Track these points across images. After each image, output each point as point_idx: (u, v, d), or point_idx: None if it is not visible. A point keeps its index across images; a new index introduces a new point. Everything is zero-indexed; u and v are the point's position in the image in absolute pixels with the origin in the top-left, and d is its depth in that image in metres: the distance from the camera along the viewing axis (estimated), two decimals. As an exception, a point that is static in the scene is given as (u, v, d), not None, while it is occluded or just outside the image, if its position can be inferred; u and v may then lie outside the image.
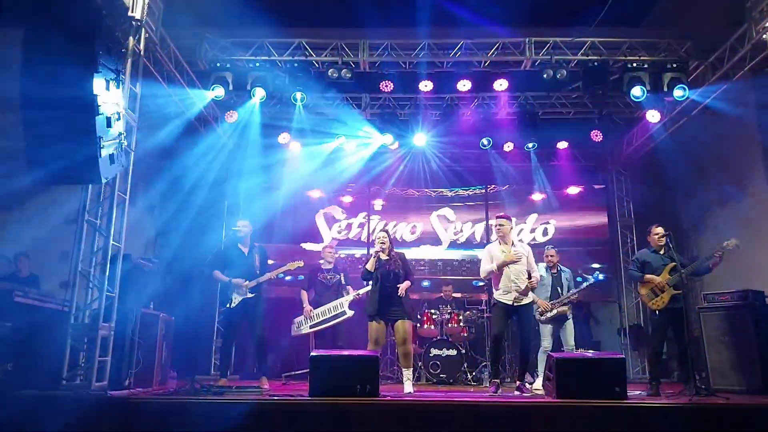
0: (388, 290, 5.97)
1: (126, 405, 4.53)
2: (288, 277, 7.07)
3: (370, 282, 6.12)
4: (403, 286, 5.94)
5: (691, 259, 7.05)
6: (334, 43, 8.02)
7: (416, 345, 8.26)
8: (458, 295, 8.69)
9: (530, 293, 6.01)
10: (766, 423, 4.40)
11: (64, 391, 4.93)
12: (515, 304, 5.86)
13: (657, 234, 6.24)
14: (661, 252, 6.23)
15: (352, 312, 7.27)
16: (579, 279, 7.40)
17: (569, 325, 7.06)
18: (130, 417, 4.41)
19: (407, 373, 5.94)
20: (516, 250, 6.00)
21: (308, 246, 10.34)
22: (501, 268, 5.91)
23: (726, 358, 6.47)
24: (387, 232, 6.27)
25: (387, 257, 6.12)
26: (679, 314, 5.85)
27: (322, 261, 7.80)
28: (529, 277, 5.99)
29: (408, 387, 5.85)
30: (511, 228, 6.25)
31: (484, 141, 9.34)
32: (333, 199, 10.62)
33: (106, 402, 4.65)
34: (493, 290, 6.07)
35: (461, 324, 8.21)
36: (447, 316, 8.21)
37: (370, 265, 6.06)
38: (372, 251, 6.33)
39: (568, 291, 6.99)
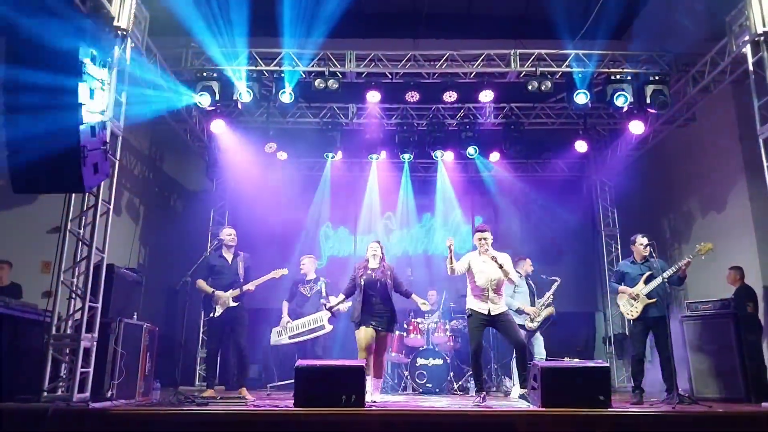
0: (372, 299, 6.05)
1: (108, 417, 4.46)
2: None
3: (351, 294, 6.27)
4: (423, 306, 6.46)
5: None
6: (320, 54, 8.05)
7: (402, 354, 8.25)
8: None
9: (505, 301, 6.04)
10: (747, 430, 4.45)
11: (45, 402, 4.84)
12: (492, 313, 5.81)
13: (641, 244, 6.31)
14: (642, 262, 6.30)
15: (332, 327, 7.26)
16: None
17: (538, 336, 7.18)
18: (113, 429, 4.35)
19: (376, 382, 5.99)
20: (494, 256, 5.90)
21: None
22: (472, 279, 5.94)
23: (708, 366, 6.53)
24: (379, 242, 6.46)
25: (377, 266, 6.17)
26: (657, 323, 5.95)
27: (301, 270, 7.76)
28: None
29: (376, 395, 5.86)
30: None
31: (471, 150, 9.37)
32: (319, 210, 10.61)
33: (88, 414, 4.58)
34: (467, 299, 6.04)
35: (448, 333, 8.21)
36: (433, 326, 8.20)
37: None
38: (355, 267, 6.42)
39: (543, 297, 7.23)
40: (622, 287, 6.28)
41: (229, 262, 6.76)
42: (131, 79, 6.30)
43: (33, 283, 6.51)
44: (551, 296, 7.31)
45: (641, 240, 6.32)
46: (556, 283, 7.38)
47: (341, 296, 6.60)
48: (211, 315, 6.58)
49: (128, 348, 5.73)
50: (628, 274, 6.36)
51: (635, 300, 6.12)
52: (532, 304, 7.22)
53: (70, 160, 4.46)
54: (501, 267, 5.81)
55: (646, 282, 6.10)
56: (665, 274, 5.98)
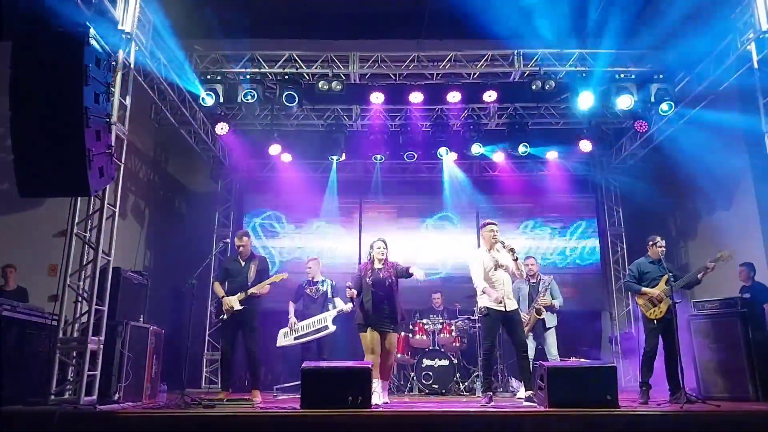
0: (379, 299, 5.91)
1: (115, 419, 4.48)
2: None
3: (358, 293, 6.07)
4: (418, 273, 5.91)
5: (680, 268, 7.11)
6: (324, 56, 8.06)
7: (408, 355, 8.24)
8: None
9: (514, 299, 6.01)
10: (756, 429, 4.42)
11: (52, 405, 4.86)
12: (507, 309, 5.80)
13: (660, 246, 6.28)
14: (659, 263, 6.28)
15: (335, 327, 7.23)
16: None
17: (551, 335, 7.11)
18: (120, 431, 4.36)
19: (383, 384, 5.83)
20: (512, 248, 5.92)
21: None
22: (487, 280, 5.86)
23: (716, 365, 6.50)
24: (385, 242, 6.20)
25: (381, 266, 6.09)
26: (670, 322, 5.93)
27: (308, 273, 7.75)
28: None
29: (384, 397, 5.73)
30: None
31: (476, 147, 9.32)
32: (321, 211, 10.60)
33: (95, 416, 4.59)
34: (481, 298, 5.98)
35: (453, 334, 8.18)
36: (439, 326, 8.18)
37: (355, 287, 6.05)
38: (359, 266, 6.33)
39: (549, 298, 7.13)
40: (647, 289, 6.20)
41: (242, 265, 6.80)
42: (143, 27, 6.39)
43: (40, 286, 6.54)
44: (539, 303, 7.14)
45: (661, 242, 6.31)
46: (542, 285, 7.26)
47: (349, 283, 6.18)
48: (222, 318, 6.62)
49: (135, 351, 5.75)
50: (648, 273, 6.31)
51: (660, 301, 6.09)
52: (530, 306, 7.21)
53: (75, 164, 4.49)
54: (516, 259, 5.79)
55: (668, 283, 6.07)
56: (688, 277, 6.07)
